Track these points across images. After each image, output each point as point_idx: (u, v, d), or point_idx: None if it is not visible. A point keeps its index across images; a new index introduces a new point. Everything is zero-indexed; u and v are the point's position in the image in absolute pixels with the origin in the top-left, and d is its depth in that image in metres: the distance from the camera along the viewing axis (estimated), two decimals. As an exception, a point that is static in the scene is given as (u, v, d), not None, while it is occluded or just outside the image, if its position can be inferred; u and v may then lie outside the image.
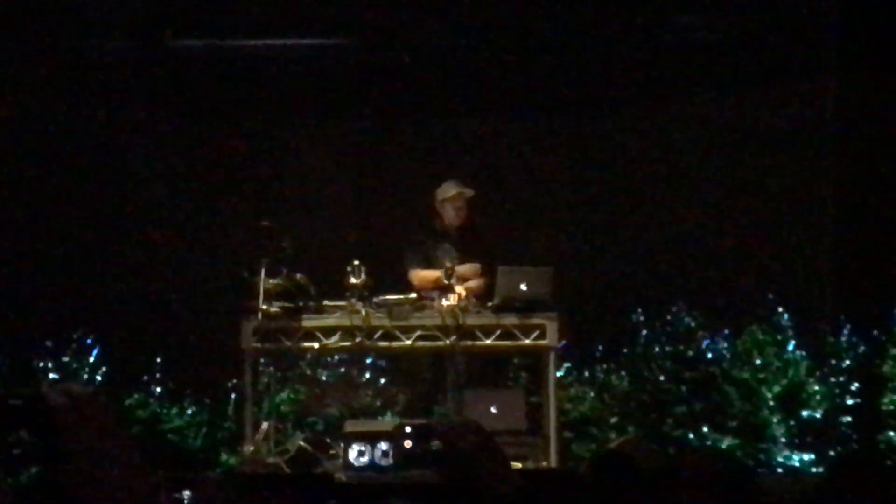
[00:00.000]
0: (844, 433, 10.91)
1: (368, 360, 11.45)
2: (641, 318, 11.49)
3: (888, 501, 4.69)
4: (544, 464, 10.09)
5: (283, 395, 11.11)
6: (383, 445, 9.80)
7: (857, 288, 11.52)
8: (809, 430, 10.92)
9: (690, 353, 11.26)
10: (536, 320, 10.24)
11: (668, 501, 4.90)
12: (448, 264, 10.37)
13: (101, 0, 11.77)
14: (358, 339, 10.19)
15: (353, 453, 9.84)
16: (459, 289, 10.29)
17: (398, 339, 10.22)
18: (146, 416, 10.87)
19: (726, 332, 11.36)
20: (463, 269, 10.45)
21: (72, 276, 12.05)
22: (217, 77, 12.25)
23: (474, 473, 3.50)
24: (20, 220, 12.15)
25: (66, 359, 10.99)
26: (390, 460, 9.73)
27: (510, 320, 10.24)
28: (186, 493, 6.08)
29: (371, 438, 9.86)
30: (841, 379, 11.06)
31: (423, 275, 10.56)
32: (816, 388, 11.03)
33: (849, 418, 10.94)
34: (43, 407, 2.43)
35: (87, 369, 11.04)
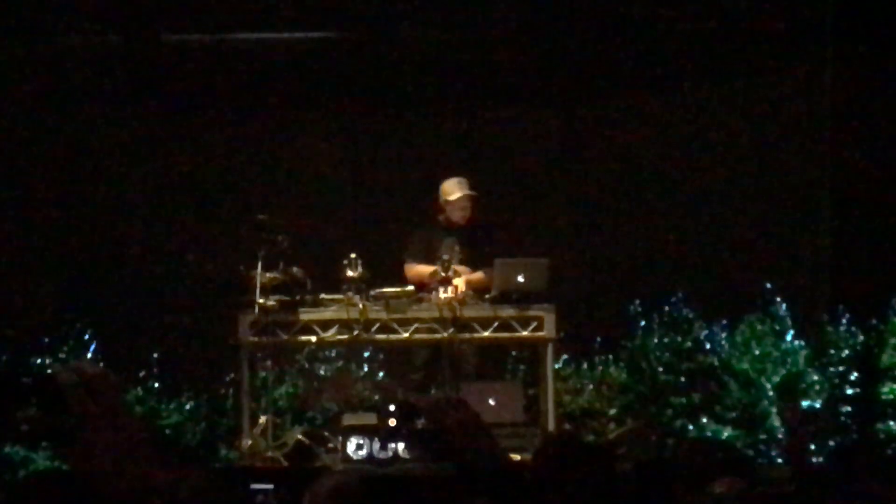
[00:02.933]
0: (843, 423, 10.89)
1: (366, 354, 11.44)
2: (639, 310, 11.47)
3: (885, 490, 4.67)
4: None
5: (281, 389, 11.10)
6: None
7: (855, 277, 11.51)
8: (808, 420, 10.90)
9: (689, 344, 11.23)
10: (534, 312, 10.23)
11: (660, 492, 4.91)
12: (446, 256, 10.33)
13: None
14: (355, 333, 10.17)
15: (351, 446, 9.83)
16: (458, 281, 10.26)
17: (395, 331, 10.20)
18: (144, 411, 10.84)
19: (724, 322, 11.34)
20: (459, 269, 10.41)
21: (69, 272, 12.03)
22: (212, 71, 12.23)
23: (459, 449, 3.48)
24: (16, 215, 12.13)
25: (63, 354, 10.95)
26: (388, 453, 9.73)
27: (508, 312, 10.22)
28: None
29: (369, 432, 9.84)
30: (840, 369, 11.04)
31: (417, 269, 10.53)
32: (815, 378, 11.02)
33: (848, 408, 10.93)
34: (53, 385, 2.41)
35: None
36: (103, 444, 2.41)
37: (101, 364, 10.93)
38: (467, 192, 10.58)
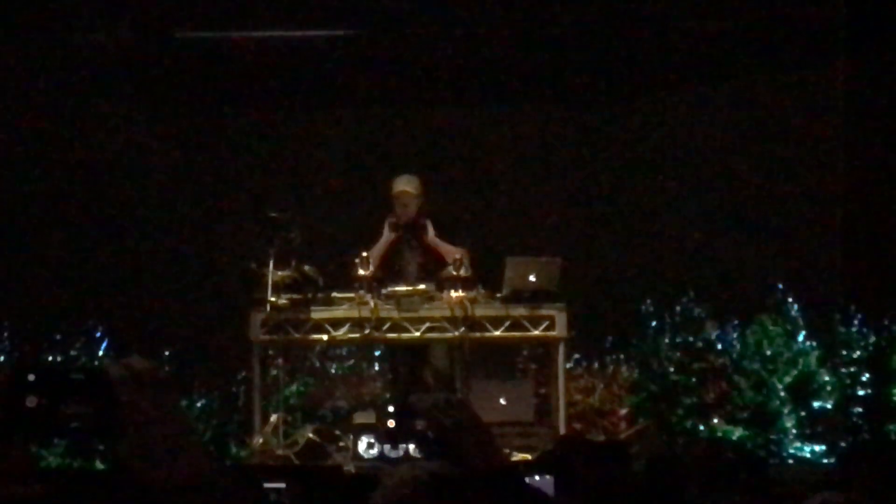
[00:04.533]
0: (855, 424, 10.88)
1: (377, 353, 11.45)
2: (651, 310, 11.46)
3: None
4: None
5: (292, 387, 11.11)
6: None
7: (868, 277, 11.49)
8: (820, 420, 10.89)
9: (700, 344, 11.22)
10: (545, 311, 10.21)
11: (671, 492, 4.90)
12: (458, 255, 10.28)
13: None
14: (367, 331, 10.16)
15: (361, 445, 9.83)
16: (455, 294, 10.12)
17: (407, 330, 10.19)
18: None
19: (736, 322, 11.32)
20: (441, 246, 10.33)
21: (81, 269, 12.06)
22: (226, 69, 12.25)
23: (457, 449, 3.47)
24: (28, 212, 12.15)
25: (74, 352, 10.97)
26: (399, 452, 9.73)
27: (519, 311, 10.21)
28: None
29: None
30: (851, 369, 11.02)
31: (373, 250, 10.33)
32: (827, 378, 11.00)
33: (859, 409, 10.91)
34: (104, 381, 2.43)
35: (95, 362, 11.02)
36: (153, 440, 2.42)
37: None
38: (405, 188, 10.36)
